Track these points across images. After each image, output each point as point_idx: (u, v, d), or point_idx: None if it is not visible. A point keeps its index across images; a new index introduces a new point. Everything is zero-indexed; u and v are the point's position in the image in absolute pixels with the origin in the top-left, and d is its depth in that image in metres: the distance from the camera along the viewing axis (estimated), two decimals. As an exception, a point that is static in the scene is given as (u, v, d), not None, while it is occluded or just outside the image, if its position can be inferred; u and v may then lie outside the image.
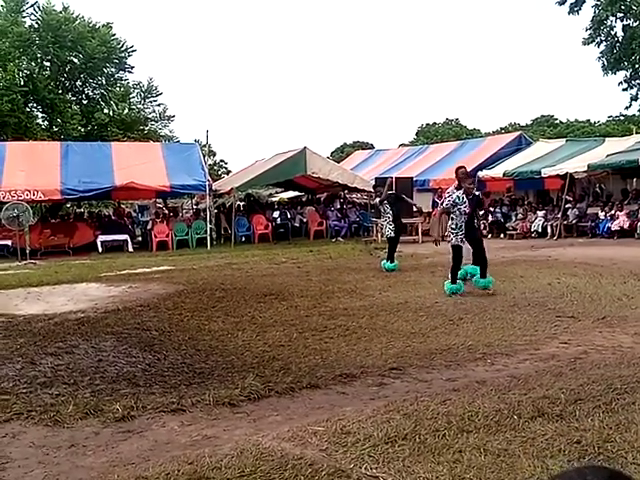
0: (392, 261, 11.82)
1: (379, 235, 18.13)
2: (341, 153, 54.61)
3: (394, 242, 11.93)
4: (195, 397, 4.78)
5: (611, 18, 18.53)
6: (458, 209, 9.05)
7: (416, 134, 65.79)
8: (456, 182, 10.34)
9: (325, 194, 26.65)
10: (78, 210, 27.52)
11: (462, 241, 9.11)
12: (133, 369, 5.76)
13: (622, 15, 18.16)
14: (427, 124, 67.18)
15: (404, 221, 20.80)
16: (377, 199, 12.39)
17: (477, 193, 9.23)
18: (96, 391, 5.09)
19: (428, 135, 60.53)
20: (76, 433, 4.24)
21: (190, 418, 4.43)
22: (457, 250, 9.15)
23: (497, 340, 6.28)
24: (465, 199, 9.00)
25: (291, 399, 4.78)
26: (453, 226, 9.14)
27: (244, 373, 5.38)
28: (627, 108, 20.16)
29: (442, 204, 9.27)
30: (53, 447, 4.02)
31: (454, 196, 9.20)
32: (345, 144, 63.00)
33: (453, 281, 9.07)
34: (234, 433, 4.12)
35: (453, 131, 59.56)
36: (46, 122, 29.41)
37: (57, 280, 12.49)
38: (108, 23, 29.91)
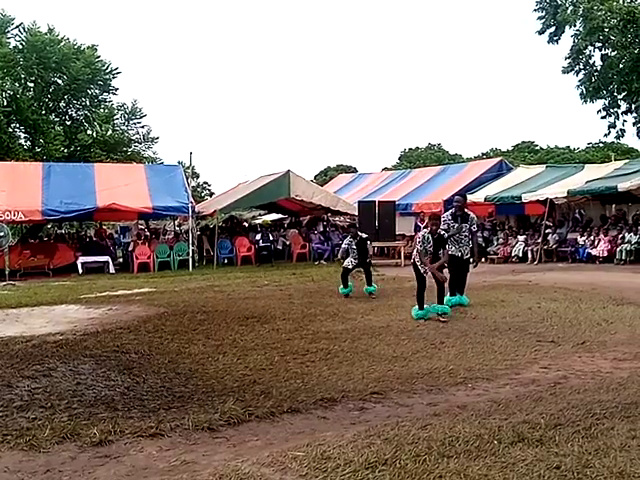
0: (346, 286, 12.03)
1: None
2: (325, 176, 54.89)
3: (347, 272, 12.19)
4: (174, 422, 4.73)
5: (590, 47, 18.92)
6: (424, 248, 9.29)
7: (399, 158, 66.44)
8: (453, 209, 10.53)
9: (308, 217, 26.71)
10: (59, 231, 27.29)
11: (426, 272, 9.32)
12: (111, 393, 5.69)
13: (600, 45, 18.54)
14: (410, 149, 67.91)
15: (386, 244, 21.02)
16: (344, 245, 12.76)
17: (442, 233, 9.46)
18: (73, 415, 5.01)
19: (411, 159, 61.13)
20: (52, 458, 4.17)
21: (169, 443, 4.38)
22: (422, 278, 9.33)
23: (478, 364, 6.30)
24: (431, 239, 9.25)
25: (271, 424, 4.74)
26: (419, 260, 9.38)
27: (224, 397, 5.33)
28: (606, 136, 20.64)
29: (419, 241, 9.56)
30: (28, 472, 3.94)
31: (420, 235, 9.51)
32: (329, 167, 63.37)
33: (420, 307, 9.18)
34: (213, 458, 4.08)
35: (435, 156, 60.20)
36: (29, 143, 29.27)
37: (36, 301, 12.35)
38: (93, 45, 30.01)
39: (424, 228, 9.75)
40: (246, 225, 26.10)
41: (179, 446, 4.32)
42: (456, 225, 10.27)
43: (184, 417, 4.81)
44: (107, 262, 20.42)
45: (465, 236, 10.33)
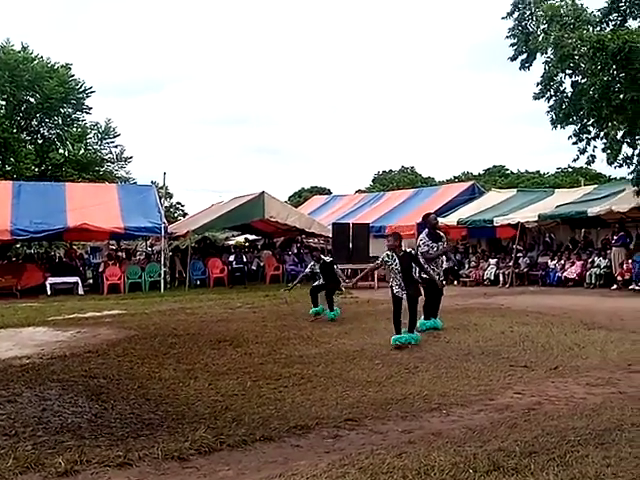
0: (316, 305, 12.05)
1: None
2: (299, 197, 54.99)
3: (316, 289, 12.21)
4: (143, 450, 4.59)
5: (560, 75, 19.26)
6: (390, 268, 8.92)
7: (372, 181, 66.89)
8: (428, 229, 10.50)
9: (282, 238, 26.66)
10: (28, 251, 26.82)
11: (403, 295, 8.86)
12: (78, 420, 5.53)
13: (571, 72, 18.89)
14: (383, 171, 68.40)
15: (359, 266, 21.02)
16: (307, 270, 12.90)
17: (408, 250, 9.15)
18: (38, 443, 4.85)
19: (384, 182, 61.53)
20: (15, 490, 4.01)
21: (137, 473, 4.24)
22: (396, 301, 8.89)
23: (452, 390, 6.26)
24: (395, 257, 8.81)
25: (243, 452, 4.64)
26: (394, 283, 8.94)
27: (195, 424, 5.21)
28: (574, 161, 20.99)
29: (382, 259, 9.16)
30: (-11, 505, 3.79)
31: (382, 255, 9.06)
32: (303, 189, 63.52)
33: (397, 331, 8.81)
34: (183, 489, 3.96)
35: (408, 179, 60.66)
36: (-1, 161, 28.87)
37: (2, 323, 12.09)
38: (67, 64, 29.85)
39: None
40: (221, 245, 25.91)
41: (148, 476, 4.19)
42: (435, 246, 10.20)
43: (153, 446, 4.68)
44: (76, 283, 20.06)
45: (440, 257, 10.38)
